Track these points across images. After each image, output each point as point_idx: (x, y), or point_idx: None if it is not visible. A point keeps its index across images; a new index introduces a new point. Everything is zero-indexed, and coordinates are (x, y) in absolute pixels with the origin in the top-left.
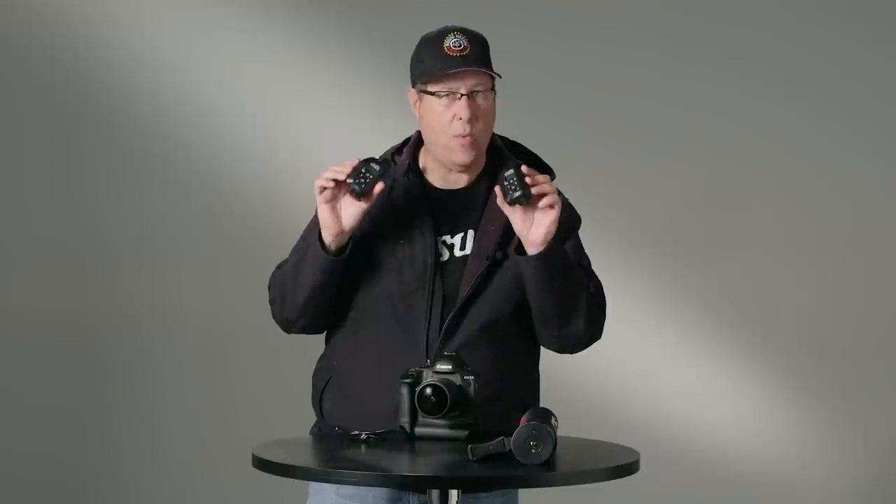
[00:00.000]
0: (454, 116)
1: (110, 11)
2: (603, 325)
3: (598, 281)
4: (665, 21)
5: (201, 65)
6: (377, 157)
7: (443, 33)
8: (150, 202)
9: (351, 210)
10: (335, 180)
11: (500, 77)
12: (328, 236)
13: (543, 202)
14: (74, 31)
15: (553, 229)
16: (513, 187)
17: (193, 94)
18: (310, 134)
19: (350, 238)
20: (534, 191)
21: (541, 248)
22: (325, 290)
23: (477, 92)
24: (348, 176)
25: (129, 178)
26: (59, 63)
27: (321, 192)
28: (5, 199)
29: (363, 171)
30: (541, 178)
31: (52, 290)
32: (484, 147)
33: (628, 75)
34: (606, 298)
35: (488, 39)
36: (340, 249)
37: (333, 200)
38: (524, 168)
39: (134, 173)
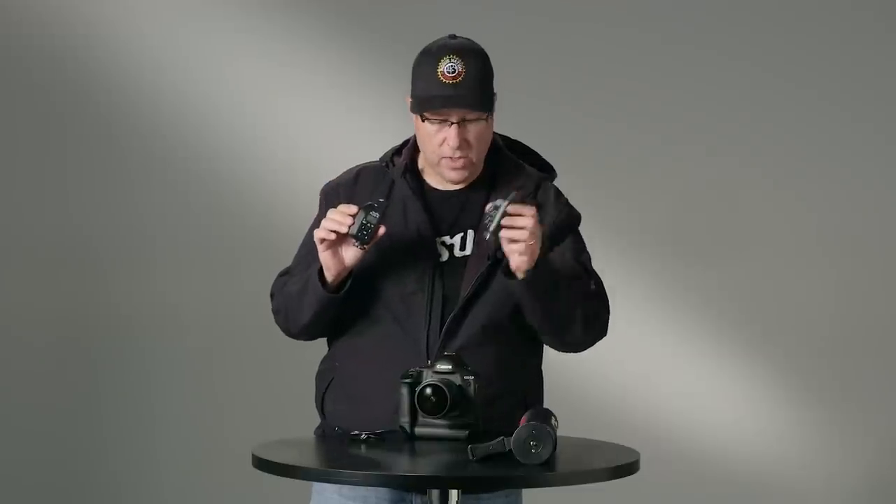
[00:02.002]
0: (444, 140)
1: (110, 11)
2: (607, 322)
3: (599, 278)
4: (665, 21)
5: (201, 65)
6: (375, 203)
7: (439, 54)
8: (149, 202)
9: (352, 252)
10: (336, 232)
11: (491, 112)
12: (329, 275)
13: (512, 247)
14: (74, 31)
15: (528, 265)
16: (489, 219)
17: (193, 94)
18: (309, 134)
19: (350, 273)
20: (505, 234)
21: (522, 276)
22: (327, 316)
23: (468, 121)
24: (350, 227)
25: (128, 177)
26: (59, 63)
27: (321, 242)
28: (5, 199)
29: (364, 221)
30: (521, 221)
31: (52, 289)
32: (478, 165)
33: (629, 75)
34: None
35: (488, 39)
36: (341, 283)
37: (334, 247)
38: (511, 207)
39: (134, 173)
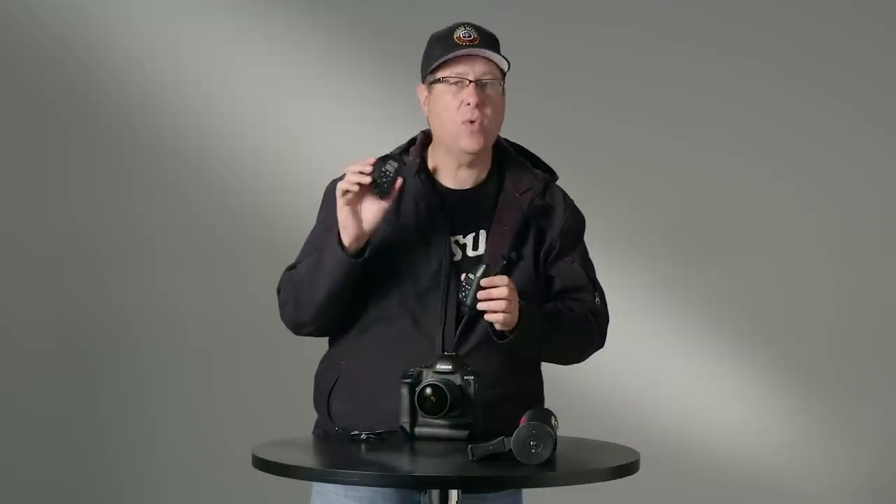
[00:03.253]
0: (462, 102)
1: (110, 11)
2: (605, 335)
3: (602, 291)
4: (666, 21)
5: (201, 65)
6: (387, 156)
7: (453, 27)
8: (149, 202)
9: (372, 210)
10: (359, 183)
11: (509, 65)
12: (348, 238)
13: (490, 318)
14: (74, 32)
15: (509, 328)
16: (465, 292)
17: (193, 94)
18: (310, 134)
19: (368, 240)
20: (481, 306)
21: (505, 339)
22: (343, 292)
23: (486, 82)
24: (372, 176)
25: (129, 177)
26: (60, 63)
27: (344, 195)
28: (5, 199)
29: (383, 170)
30: (495, 292)
31: (51, 289)
32: (493, 137)
33: (629, 75)
34: (608, 299)
35: None
36: (359, 252)
37: (355, 202)
38: (484, 280)
39: (134, 173)
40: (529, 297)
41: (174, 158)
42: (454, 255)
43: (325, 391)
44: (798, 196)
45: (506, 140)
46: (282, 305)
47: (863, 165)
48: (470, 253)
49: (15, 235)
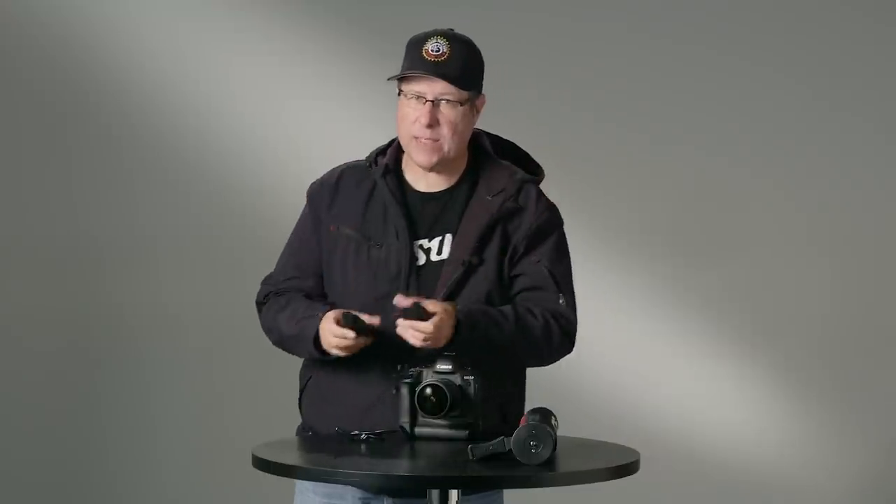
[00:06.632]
0: (417, 119)
1: (110, 11)
2: (568, 340)
3: (571, 294)
4: (665, 21)
5: (201, 65)
6: (352, 314)
7: (428, 35)
8: (150, 202)
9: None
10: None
11: (470, 94)
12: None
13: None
14: (74, 32)
15: (436, 345)
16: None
17: (193, 95)
18: (310, 134)
19: None
20: (399, 331)
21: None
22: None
23: (443, 100)
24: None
25: (129, 178)
26: (59, 63)
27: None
28: (5, 200)
29: (355, 326)
30: (422, 325)
31: (52, 290)
32: (450, 154)
33: (628, 75)
34: (603, 300)
35: (487, 38)
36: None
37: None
38: (405, 322)
39: (134, 174)
40: (493, 301)
41: (174, 158)
42: (417, 259)
43: (300, 390)
44: (798, 197)
45: (490, 138)
46: (265, 330)
47: (864, 167)
48: (434, 258)
49: (14, 235)
